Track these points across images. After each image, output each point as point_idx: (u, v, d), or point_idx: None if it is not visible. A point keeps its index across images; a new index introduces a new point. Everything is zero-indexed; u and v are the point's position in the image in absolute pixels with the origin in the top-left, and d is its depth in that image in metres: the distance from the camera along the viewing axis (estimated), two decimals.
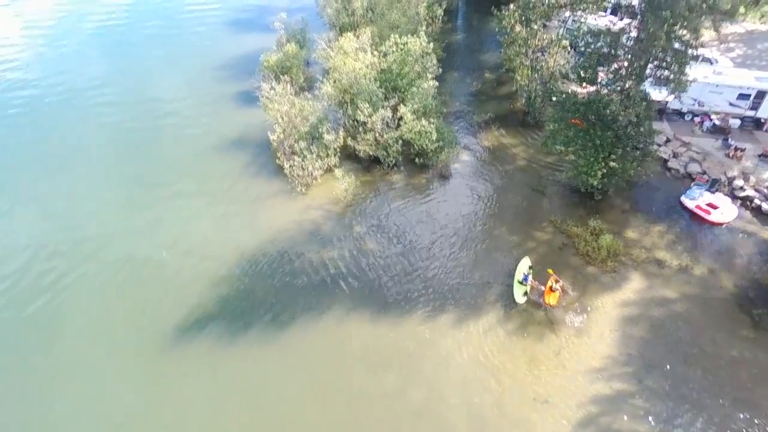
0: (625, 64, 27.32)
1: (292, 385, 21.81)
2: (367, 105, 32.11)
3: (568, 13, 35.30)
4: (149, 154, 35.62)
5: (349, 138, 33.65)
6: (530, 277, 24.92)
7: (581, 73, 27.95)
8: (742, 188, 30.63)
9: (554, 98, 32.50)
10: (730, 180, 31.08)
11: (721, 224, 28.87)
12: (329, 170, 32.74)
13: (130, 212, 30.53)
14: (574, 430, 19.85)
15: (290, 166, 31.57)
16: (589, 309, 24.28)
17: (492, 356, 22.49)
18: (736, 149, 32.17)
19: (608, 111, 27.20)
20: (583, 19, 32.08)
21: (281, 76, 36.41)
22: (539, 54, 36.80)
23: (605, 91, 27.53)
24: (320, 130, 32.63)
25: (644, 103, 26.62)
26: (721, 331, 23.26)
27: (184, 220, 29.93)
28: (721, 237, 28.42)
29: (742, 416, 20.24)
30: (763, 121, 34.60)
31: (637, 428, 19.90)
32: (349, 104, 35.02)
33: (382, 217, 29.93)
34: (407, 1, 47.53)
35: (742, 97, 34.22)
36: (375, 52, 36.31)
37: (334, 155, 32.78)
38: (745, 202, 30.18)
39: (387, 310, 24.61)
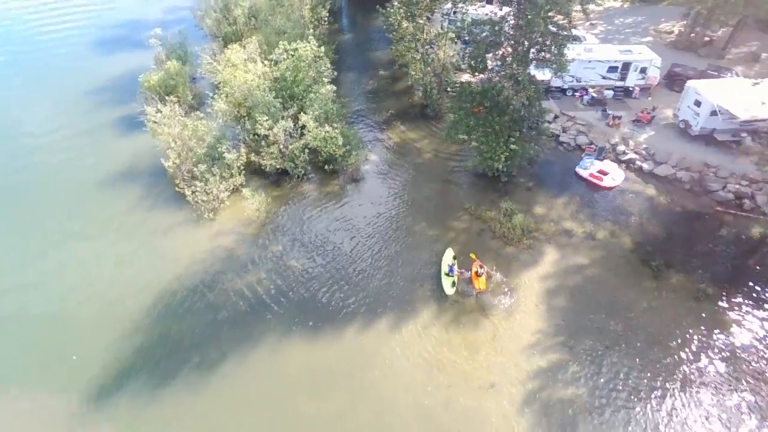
0: (509, 50, 28.70)
1: (232, 425, 20.24)
2: (266, 117, 30.72)
3: (449, 5, 36.50)
4: (27, 197, 31.37)
5: (253, 154, 32.07)
6: (455, 268, 25.37)
7: (471, 62, 28.90)
8: (624, 152, 33.71)
9: (449, 89, 33.38)
10: (614, 146, 34.08)
11: (612, 188, 31.55)
12: (236, 190, 30.98)
13: (14, 264, 26.66)
14: (521, 408, 20.49)
15: (192, 191, 29.33)
16: (514, 288, 25.27)
17: (434, 352, 22.57)
18: (614, 118, 35.30)
19: (501, 97, 28.41)
20: (464, 11, 33.32)
21: (166, 97, 33.68)
22: (429, 47, 37.57)
23: (496, 78, 28.70)
24: (220, 149, 30.66)
25: (533, 86, 28.11)
26: (629, 286, 25.36)
27: (79, 264, 26.69)
28: (615, 199, 31.03)
29: (655, 355, 22.23)
30: (631, 89, 38.31)
31: (575, 392, 21.02)
32: (246, 118, 33.34)
33: (300, 230, 28.88)
34: (290, 5, 46.47)
35: (612, 69, 37.65)
36: (265, 61, 34.86)
37: (239, 174, 31.05)
38: (629, 164, 33.26)
39: (321, 326, 23.75)
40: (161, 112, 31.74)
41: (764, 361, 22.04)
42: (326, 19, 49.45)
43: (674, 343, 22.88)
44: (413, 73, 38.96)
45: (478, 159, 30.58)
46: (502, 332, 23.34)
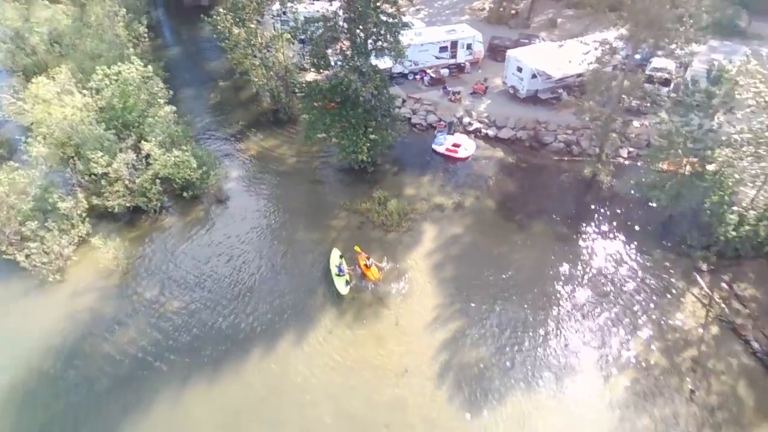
0: (348, 44, 29.07)
1: None
2: (101, 153, 27.19)
3: (277, 6, 35.78)
4: None
5: (94, 197, 28.24)
6: (344, 266, 25.29)
7: (314, 61, 28.71)
8: (470, 123, 36.55)
9: (297, 91, 32.81)
10: (460, 119, 36.74)
11: (467, 158, 34.05)
12: (83, 242, 27.10)
13: None
14: (438, 385, 21.25)
15: (26, 255, 24.95)
16: (405, 271, 25.99)
17: (343, 355, 22.30)
18: (454, 93, 37.99)
19: (351, 90, 28.75)
20: (294, 10, 32.91)
21: None
22: (266, 51, 36.45)
23: (342, 72, 28.87)
24: (50, 199, 26.42)
25: (377, 75, 28.90)
26: (501, 243, 27.69)
27: None
28: (472, 167, 33.55)
29: (535, 295, 24.64)
30: (462, 65, 41.52)
31: (480, 351, 22.39)
32: (76, 158, 29.13)
33: (169, 268, 26.31)
34: (98, 24, 41.43)
35: (443, 49, 40.36)
36: (84, 91, 30.70)
37: (82, 223, 27.18)
38: (477, 133, 36.16)
39: (220, 361, 22.02)
40: None
41: (618, 278, 25.73)
42: (146, 35, 45.25)
43: (548, 281, 25.58)
44: (256, 79, 37.52)
45: (342, 154, 30.70)
46: (403, 317, 23.90)
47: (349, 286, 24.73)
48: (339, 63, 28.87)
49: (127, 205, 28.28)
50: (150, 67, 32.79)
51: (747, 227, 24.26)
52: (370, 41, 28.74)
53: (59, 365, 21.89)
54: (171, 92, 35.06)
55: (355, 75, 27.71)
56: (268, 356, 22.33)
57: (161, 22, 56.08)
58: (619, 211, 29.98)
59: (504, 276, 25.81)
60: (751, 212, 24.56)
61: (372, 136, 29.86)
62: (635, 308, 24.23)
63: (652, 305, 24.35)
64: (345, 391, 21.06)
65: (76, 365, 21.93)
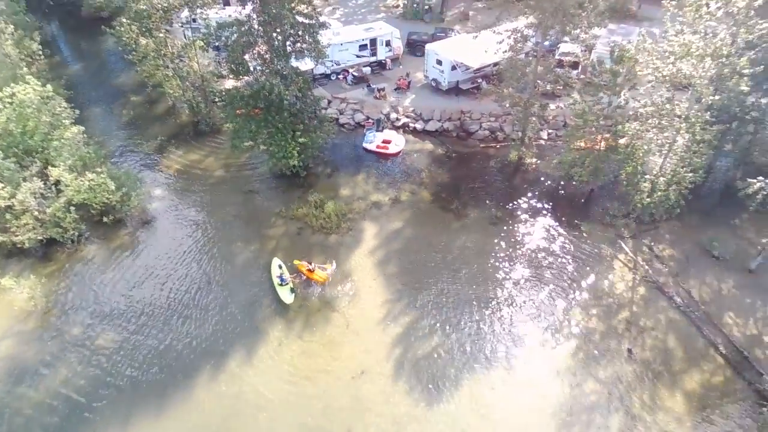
0: (265, 47, 28.22)
1: None
2: (1, 185, 24.58)
3: (186, 13, 34.22)
4: None
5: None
6: (286, 275, 24.66)
7: (232, 66, 27.64)
8: (397, 119, 36.90)
9: (217, 100, 31.46)
10: (387, 116, 36.98)
11: (398, 153, 34.35)
12: None
13: None
14: (395, 379, 21.28)
15: None
16: (349, 273, 25.76)
17: (297, 366, 21.74)
18: (378, 90, 38.16)
19: (274, 94, 27.99)
20: (205, 16, 31.59)
21: None
22: (179, 61, 34.67)
23: (263, 77, 28.00)
24: None
25: (300, 77, 28.35)
26: (440, 232, 28.19)
27: None
28: (404, 162, 33.88)
29: (478, 279, 25.34)
30: (383, 62, 41.79)
31: (433, 341, 22.68)
32: None
33: (97, 300, 24.39)
34: None
35: (362, 48, 40.37)
36: None
37: None
38: (405, 128, 36.57)
39: (166, 394, 20.68)
40: None
41: (552, 253, 27.03)
42: (40, 52, 41.50)
43: (489, 263, 26.42)
44: (170, 91, 35.65)
45: (272, 161, 29.88)
46: (354, 318, 23.69)
47: (293, 295, 24.12)
48: (258, 68, 27.97)
49: (39, 238, 25.81)
50: (49, 86, 30.01)
51: (659, 193, 26.29)
52: (288, 43, 28.10)
53: None
54: (77, 112, 32.25)
55: (277, 78, 27.00)
56: (218, 378, 21.29)
57: (57, 37, 51.75)
58: (546, 190, 31.53)
59: (447, 264, 26.30)
60: (661, 179, 26.65)
61: (301, 140, 29.27)
62: (570, 279, 25.59)
63: (585, 274, 25.83)
64: (302, 402, 20.54)
65: (2, 420, 19.73)
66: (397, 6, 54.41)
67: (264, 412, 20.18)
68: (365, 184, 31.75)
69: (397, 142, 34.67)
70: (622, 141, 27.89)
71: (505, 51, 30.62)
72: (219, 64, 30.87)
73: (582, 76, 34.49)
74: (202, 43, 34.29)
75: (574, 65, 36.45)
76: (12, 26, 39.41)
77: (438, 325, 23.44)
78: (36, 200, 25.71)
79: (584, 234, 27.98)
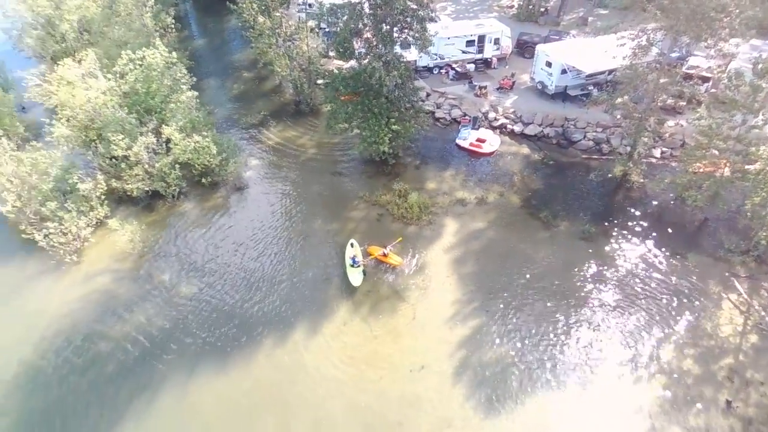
0: (371, 33, 28.33)
1: None
2: (122, 136, 27.04)
3: None
4: None
5: (113, 180, 28.13)
6: (359, 257, 24.60)
7: (339, 48, 28.10)
8: (495, 119, 35.50)
9: (320, 81, 32.07)
10: (485, 114, 35.72)
11: (492, 153, 33.03)
12: (101, 224, 27.03)
13: None
14: (454, 381, 20.34)
15: (45, 235, 24.93)
16: (424, 265, 25.15)
17: (358, 348, 21.57)
18: (480, 88, 36.98)
19: (374, 79, 28.07)
20: (320, 0, 32.26)
21: None
22: (290, 42, 36.07)
23: (366, 60, 28.19)
24: (70, 180, 26.41)
25: (402, 64, 28.15)
26: (525, 240, 26.60)
27: None
28: (497, 163, 32.50)
29: (561, 295, 23.48)
30: (489, 60, 40.49)
31: (500, 350, 21.40)
32: (98, 142, 29.13)
33: (185, 254, 25.97)
34: (127, 14, 41.72)
35: (469, 44, 39.36)
36: (109, 75, 30.72)
37: (101, 205, 27.06)
38: (502, 129, 35.10)
39: (230, 351, 21.49)
40: None
41: (650, 281, 24.38)
42: (173, 26, 45.41)
43: (574, 280, 24.42)
44: (279, 69, 37.21)
45: (363, 145, 29.98)
46: (421, 311, 23.04)
47: (362, 278, 23.98)
48: (363, 51, 28.14)
49: (146, 189, 28.10)
50: (174, 54, 32.66)
51: None
52: (395, 29, 27.94)
53: (68, 346, 21.68)
54: (194, 79, 34.83)
55: (380, 63, 26.99)
56: (280, 347, 21.71)
57: (188, 14, 56.49)
58: (650, 212, 28.60)
59: (528, 273, 24.75)
60: None
61: (394, 127, 29.08)
62: (667, 312, 22.88)
63: (685, 310, 22.97)
64: (358, 385, 20.30)
65: (85, 347, 21.70)
66: (512, 6, 52.61)
67: (319, 387, 20.21)
68: (452, 180, 30.88)
69: (492, 142, 33.36)
70: (752, 167, 24.45)
71: (625, 57, 28.11)
72: (327, 48, 31.63)
73: (713, 90, 30.81)
74: (312, 25, 35.41)
75: (704, 79, 32.70)
76: (152, 0, 43.57)
77: (509, 334, 22.06)
78: (148, 154, 27.99)
79: (690, 265, 24.94)
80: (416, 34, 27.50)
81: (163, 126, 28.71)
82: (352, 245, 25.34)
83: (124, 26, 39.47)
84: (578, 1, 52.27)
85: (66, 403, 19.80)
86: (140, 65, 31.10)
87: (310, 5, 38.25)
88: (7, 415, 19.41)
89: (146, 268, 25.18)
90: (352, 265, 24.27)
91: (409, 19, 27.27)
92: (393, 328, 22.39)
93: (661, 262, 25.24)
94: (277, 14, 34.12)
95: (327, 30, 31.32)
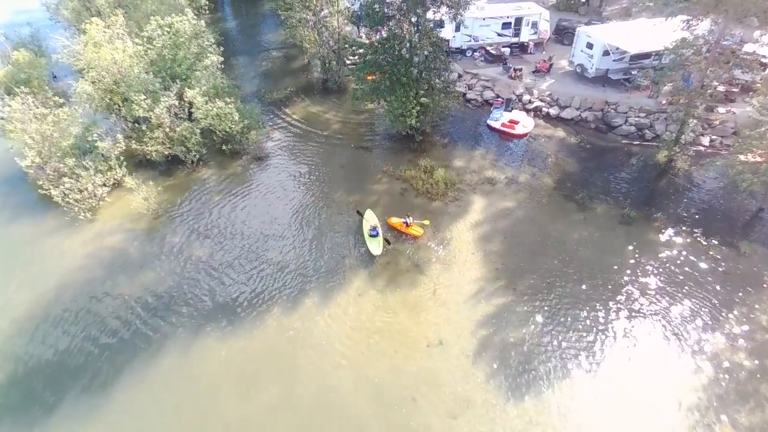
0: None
1: None
2: (144, 96, 26.51)
3: None
4: None
5: (134, 142, 27.63)
6: (379, 228, 23.26)
7: (369, 12, 26.86)
8: (530, 101, 33.73)
9: (348, 62, 30.55)
10: (519, 97, 34.00)
11: (525, 135, 31.27)
12: (118, 185, 26.50)
13: None
14: (474, 360, 18.65)
15: (62, 192, 24.48)
16: (447, 240, 23.60)
17: (372, 319, 20.12)
18: (515, 70, 35.30)
19: (404, 48, 26.89)
20: None
21: (18, 89, 27.91)
22: (321, 17, 35.23)
23: (397, 28, 26.98)
24: (90, 138, 25.99)
25: (434, 32, 26.85)
26: (558, 221, 24.73)
27: None
28: (529, 145, 30.73)
29: (596, 280, 21.52)
30: (525, 44, 38.79)
31: (526, 331, 19.62)
32: (121, 105, 28.76)
33: (200, 218, 25.11)
34: None
35: (505, 26, 37.81)
36: (137, 40, 30.43)
37: (120, 166, 26.51)
38: (537, 111, 33.30)
39: (240, 315, 20.35)
40: (10, 106, 26.33)
41: (697, 269, 22.17)
42: (206, 7, 45.36)
43: (612, 264, 22.43)
44: (308, 46, 36.47)
45: (390, 117, 28.70)
46: (443, 286, 21.46)
47: (381, 248, 22.60)
48: (394, 15, 26.87)
49: (166, 153, 27.47)
50: (203, 22, 32.24)
51: None
52: None
53: (73, 303, 20.91)
54: (222, 53, 34.29)
55: (411, 28, 25.75)
56: (292, 313, 20.44)
57: (224, 0, 56.69)
58: (698, 199, 26.36)
59: (560, 255, 22.88)
60: None
61: (423, 100, 27.74)
62: (717, 302, 20.64)
63: (737, 300, 20.69)
64: (371, 357, 18.82)
65: (90, 304, 20.89)
66: None
67: (329, 356, 18.82)
68: (481, 159, 29.27)
69: (525, 124, 31.61)
70: None
71: (673, 42, 26.08)
72: (360, 8, 30.15)
73: None
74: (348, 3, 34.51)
75: (763, 66, 30.21)
76: None
77: (537, 316, 20.23)
78: (170, 118, 27.38)
79: (744, 254, 22.60)
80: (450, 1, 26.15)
81: (186, 89, 28.08)
82: (367, 217, 24.07)
83: (157, 1, 39.46)
84: None
85: (66, 356, 18.99)
86: (168, 32, 30.73)
87: None
88: (6, 366, 18.70)
89: (160, 230, 24.41)
90: (372, 235, 22.93)
91: None
92: (411, 302, 20.86)
93: (710, 250, 22.96)
94: None
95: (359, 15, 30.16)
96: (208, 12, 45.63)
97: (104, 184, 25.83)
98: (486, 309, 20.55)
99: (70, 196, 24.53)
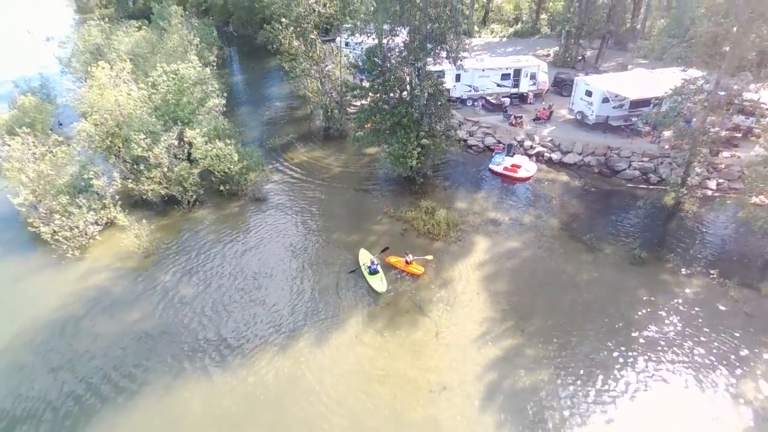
0: (402, 46, 27.61)
1: None
2: (143, 136, 26.44)
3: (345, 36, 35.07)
4: None
5: (130, 182, 27.24)
6: (377, 263, 22.26)
7: (370, 58, 27.29)
8: (532, 147, 33.63)
9: (351, 93, 30.60)
10: (521, 143, 33.95)
11: (528, 179, 30.85)
12: (111, 224, 25.80)
13: None
14: (482, 406, 16.95)
15: (52, 230, 23.77)
16: (450, 280, 22.44)
17: (370, 362, 18.59)
18: (515, 118, 35.55)
19: (406, 92, 27.14)
20: (359, 41, 31.05)
21: (20, 129, 27.94)
22: (323, 66, 36.11)
23: (398, 72, 27.30)
24: (86, 175, 25.65)
25: (434, 76, 27.15)
26: (567, 262, 23.63)
27: None
28: (533, 188, 30.22)
29: (609, 322, 20.09)
30: (525, 95, 39.41)
31: (537, 377, 17.99)
32: (121, 147, 28.69)
33: (193, 257, 24.14)
34: (174, 49, 43.38)
35: (505, 77, 38.60)
36: (142, 84, 30.97)
37: (114, 206, 25.88)
38: (539, 157, 33.09)
39: (227, 357, 18.87)
40: (9, 145, 26.32)
41: (717, 311, 20.76)
42: (215, 63, 46.98)
43: (625, 306, 21.06)
44: (311, 94, 37.12)
45: (391, 159, 28.41)
46: (446, 327, 20.05)
47: (385, 284, 21.48)
48: (398, 62, 27.20)
49: (162, 192, 26.99)
50: (208, 70, 32.99)
51: None
52: (428, 44, 27.12)
53: (51, 343, 19.58)
54: (227, 108, 34.78)
55: (412, 69, 26.04)
56: (282, 354, 18.97)
57: (231, 57, 58.91)
58: (711, 241, 25.38)
59: (570, 295, 21.60)
60: None
61: (424, 141, 27.55)
62: (743, 345, 19.09)
63: (764, 343, 19.12)
64: (369, 403, 17.17)
65: (69, 346, 19.51)
66: (549, 55, 52.45)
67: (322, 403, 17.14)
68: (484, 201, 28.65)
69: (528, 168, 31.29)
70: None
71: (671, 89, 26.32)
72: (359, 57, 30.37)
73: None
74: (347, 52, 35.45)
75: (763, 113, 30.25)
76: (198, 38, 45.52)
77: (548, 360, 18.67)
78: (168, 158, 27.17)
79: (764, 295, 21.27)
80: (451, 40, 26.53)
81: (186, 129, 28.09)
82: (361, 256, 23.14)
83: (165, 56, 40.79)
84: (614, 53, 51.75)
85: (33, 402, 17.39)
86: (173, 78, 31.34)
87: (347, 44, 38.67)
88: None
89: (148, 268, 23.39)
90: (372, 272, 21.86)
91: (443, 24, 26.20)
92: (412, 344, 19.39)
93: (728, 292, 21.63)
94: (312, 36, 34.34)
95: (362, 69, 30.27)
96: (216, 68, 47.28)
97: (96, 223, 25.13)
98: (493, 352, 19.03)
99: (59, 234, 23.78)
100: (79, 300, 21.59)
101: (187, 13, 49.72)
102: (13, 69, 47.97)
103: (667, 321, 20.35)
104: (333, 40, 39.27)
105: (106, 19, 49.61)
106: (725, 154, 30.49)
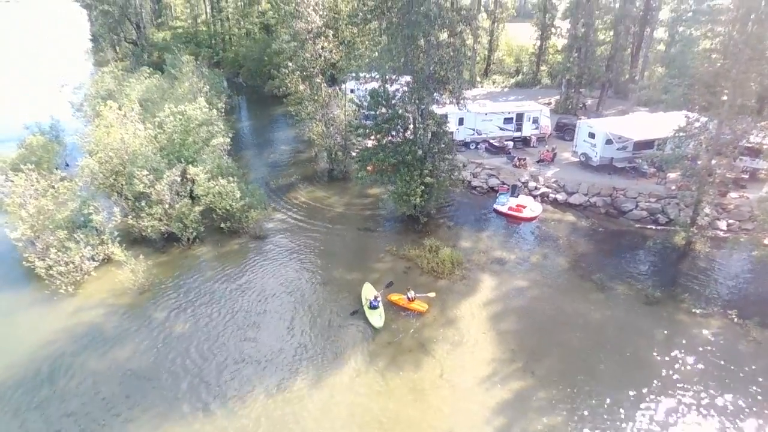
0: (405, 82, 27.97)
1: None
2: (146, 172, 26.41)
3: (352, 83, 35.94)
4: None
5: (131, 218, 26.90)
6: (379, 299, 21.43)
7: (373, 97, 27.62)
8: (536, 188, 33.39)
9: (355, 131, 30.78)
10: (525, 183, 33.76)
11: (533, 219, 30.39)
12: (108, 260, 25.24)
13: None
14: None
15: (47, 265, 23.21)
16: (455, 319, 21.49)
17: (371, 405, 17.40)
18: (519, 159, 35.57)
19: (409, 131, 27.30)
20: (365, 88, 31.71)
21: (24, 166, 28.03)
22: (328, 109, 36.67)
23: (401, 110, 27.53)
24: (85, 210, 25.39)
25: (437, 114, 27.34)
26: (577, 301, 22.68)
27: None
28: (538, 228, 29.67)
29: (624, 363, 18.88)
30: (528, 138, 39.67)
31: (551, 420, 16.71)
32: (124, 184, 28.62)
33: (189, 295, 23.35)
34: (183, 95, 44.49)
35: (507, 121, 39.01)
36: (149, 124, 31.37)
37: (113, 241, 25.42)
38: (544, 197, 32.76)
39: (217, 399, 17.73)
40: (11, 181, 26.37)
41: (739, 353, 19.59)
42: (223, 110, 48.00)
43: (640, 347, 19.94)
44: (315, 137, 37.50)
45: (394, 197, 28.09)
46: (451, 368, 18.94)
47: (382, 320, 20.62)
48: (402, 100, 27.45)
49: (162, 229, 26.55)
50: (214, 112, 33.50)
51: None
52: (430, 83, 27.52)
53: (36, 381, 18.50)
54: (233, 150, 35.05)
55: (416, 107, 26.25)
56: (276, 396, 17.81)
57: (240, 106, 60.26)
58: (726, 280, 24.51)
59: (581, 335, 20.54)
60: None
61: (427, 179, 27.31)
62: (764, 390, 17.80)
63: None
64: None
65: (54, 381, 18.48)
66: (550, 103, 53.39)
67: None
68: (489, 241, 28.05)
69: (533, 208, 30.89)
70: None
71: (674, 131, 26.41)
72: (363, 97, 30.69)
73: None
74: (352, 96, 36.06)
75: None
76: (208, 86, 46.82)
77: (560, 404, 17.42)
78: (171, 195, 26.99)
79: None
80: (453, 86, 26.90)
81: (189, 166, 28.09)
82: (365, 290, 22.39)
83: (176, 100, 41.77)
84: (614, 101, 52.64)
85: None
86: (180, 119, 31.79)
87: (352, 90, 39.58)
88: None
89: (143, 305, 22.57)
90: (372, 308, 21.01)
91: (445, 61, 26.54)
92: (415, 386, 18.23)
93: (749, 333, 20.52)
94: (318, 80, 35.10)
95: (367, 115, 30.64)
96: (224, 114, 48.28)
97: (92, 258, 24.59)
98: (501, 394, 17.82)
99: (54, 269, 23.16)
100: (69, 336, 20.67)
101: (198, 63, 51.41)
102: (31, 114, 49.18)
103: (685, 363, 19.17)
104: (339, 87, 40.17)
105: (120, 68, 51.41)
106: (733, 194, 30.06)
